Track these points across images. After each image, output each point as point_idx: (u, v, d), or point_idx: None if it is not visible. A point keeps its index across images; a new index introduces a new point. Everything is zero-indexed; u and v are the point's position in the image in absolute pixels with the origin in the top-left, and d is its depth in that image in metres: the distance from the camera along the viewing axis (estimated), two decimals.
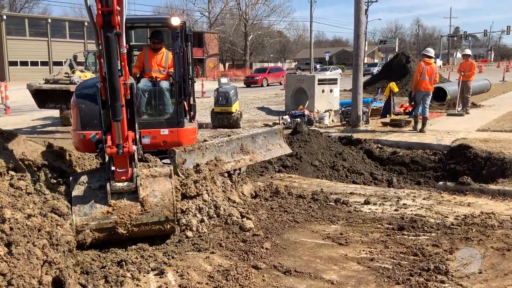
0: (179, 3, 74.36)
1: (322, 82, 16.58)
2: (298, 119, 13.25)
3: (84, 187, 4.28)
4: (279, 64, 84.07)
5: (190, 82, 6.61)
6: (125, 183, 4.34)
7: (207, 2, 70.69)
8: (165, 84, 6.58)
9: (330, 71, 47.45)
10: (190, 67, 6.84)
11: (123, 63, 4.25)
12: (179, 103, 6.34)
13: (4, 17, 46.83)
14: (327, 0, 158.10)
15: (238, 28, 69.76)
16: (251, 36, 69.20)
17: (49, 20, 51.05)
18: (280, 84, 36.04)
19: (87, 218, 4.17)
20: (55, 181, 4.91)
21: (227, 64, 77.68)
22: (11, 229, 2.87)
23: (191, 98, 6.74)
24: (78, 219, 4.14)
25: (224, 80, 15.33)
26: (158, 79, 6.67)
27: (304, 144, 9.44)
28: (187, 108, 6.65)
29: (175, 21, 5.92)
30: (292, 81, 18.06)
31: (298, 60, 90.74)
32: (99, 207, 4.20)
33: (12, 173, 3.87)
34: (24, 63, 47.41)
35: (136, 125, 4.79)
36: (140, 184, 4.37)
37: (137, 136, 4.78)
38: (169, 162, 6.00)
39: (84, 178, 4.39)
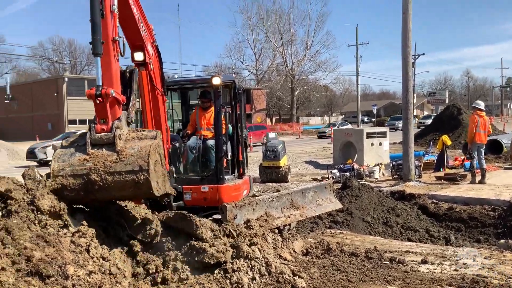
0: (228, 62, 77.27)
1: (370, 135, 16.45)
2: (348, 173, 13.07)
3: (72, 144, 4.41)
4: (326, 118, 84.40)
5: (240, 139, 6.78)
6: (104, 134, 4.32)
7: (254, 60, 73.18)
8: (211, 142, 6.70)
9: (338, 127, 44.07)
10: (240, 124, 7.05)
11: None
12: (218, 160, 6.41)
13: (66, 79, 50.39)
14: (373, 54, 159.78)
15: (285, 83, 71.25)
16: (298, 91, 70.36)
17: None
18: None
19: (64, 164, 4.17)
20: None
21: (274, 119, 78.82)
22: (73, 285, 2.95)
23: (240, 155, 6.86)
24: (56, 164, 4.18)
25: (272, 134, 15.55)
26: (205, 137, 6.86)
27: (355, 199, 9.24)
28: (225, 165, 6.68)
29: (216, 81, 6.22)
30: (340, 134, 18.04)
31: (345, 113, 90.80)
32: (77, 155, 4.24)
33: (72, 229, 4.02)
34: (82, 122, 50.25)
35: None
36: (119, 135, 4.32)
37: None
38: (220, 217, 6.06)
39: (74, 138, 4.53)
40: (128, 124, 4.63)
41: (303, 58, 70.06)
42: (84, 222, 4.08)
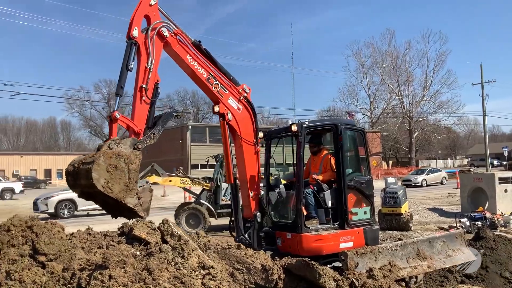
0: (342, 106, 77.12)
1: (504, 180, 14.95)
2: (479, 223, 11.94)
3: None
4: (449, 161, 78.92)
5: (345, 186, 6.46)
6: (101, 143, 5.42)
7: (369, 103, 72.03)
8: (308, 189, 6.68)
9: (426, 174, 38.02)
10: (360, 168, 6.86)
11: None
12: (297, 208, 6.33)
13: (190, 127, 54.38)
14: (501, 92, 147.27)
15: (402, 125, 68.65)
16: (416, 133, 67.23)
17: None
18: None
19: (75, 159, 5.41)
20: None
21: (390, 162, 75.84)
22: None
23: (344, 203, 6.45)
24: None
25: (391, 179, 14.95)
26: (310, 182, 6.92)
27: (490, 252, 8.34)
28: (305, 213, 6.43)
29: (293, 128, 6.41)
30: (468, 179, 16.67)
31: (470, 156, 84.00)
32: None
33: (203, 271, 4.23)
34: (203, 166, 53.41)
35: None
36: (108, 145, 5.17)
37: None
38: (341, 265, 5.90)
39: None
40: (136, 148, 5.42)
41: (422, 99, 67.26)
42: (214, 265, 4.28)
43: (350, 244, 6.32)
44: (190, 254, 4.41)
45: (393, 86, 67.99)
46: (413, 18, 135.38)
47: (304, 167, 7.33)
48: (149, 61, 5.74)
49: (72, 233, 4.99)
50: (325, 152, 7.21)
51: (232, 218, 7.34)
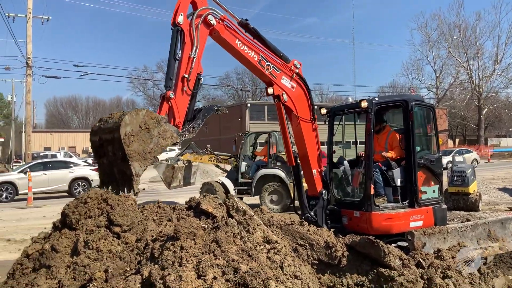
0: (405, 81, 74.17)
1: None
2: None
3: None
4: None
5: (415, 164, 6.24)
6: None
7: (434, 78, 68.84)
8: (375, 166, 6.45)
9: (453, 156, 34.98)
10: (414, 147, 6.52)
11: None
12: (366, 186, 6.16)
13: (249, 105, 54.75)
14: None
15: (470, 102, 65.11)
16: (486, 109, 63.53)
17: None
18: None
19: None
20: None
21: (457, 140, 72.50)
22: None
23: (414, 181, 6.25)
24: None
25: (459, 158, 14.31)
26: (376, 160, 6.59)
27: None
28: (372, 192, 6.26)
29: (363, 104, 6.14)
30: None
31: None
32: None
33: (268, 246, 4.32)
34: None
35: None
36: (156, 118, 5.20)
37: None
38: (407, 245, 5.80)
39: None
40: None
41: (492, 73, 63.17)
42: (279, 240, 4.35)
43: (420, 223, 6.14)
44: (255, 229, 4.50)
45: (461, 60, 64.31)
46: None
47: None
48: (193, 50, 5.52)
49: (143, 206, 5.23)
50: (389, 129, 6.99)
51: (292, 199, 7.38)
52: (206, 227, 4.14)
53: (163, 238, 4.05)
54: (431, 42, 67.15)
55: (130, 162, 4.77)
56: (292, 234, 5.20)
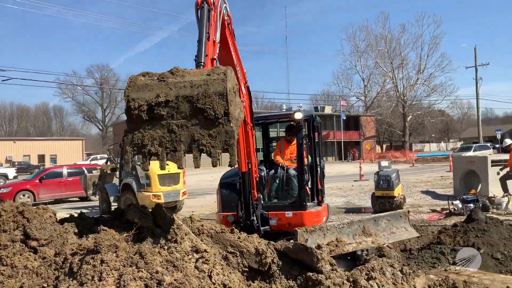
0: (336, 89, 76.98)
1: (496, 163, 15.03)
2: (471, 205, 12.03)
3: None
4: (442, 144, 79.35)
5: (318, 169, 7.34)
6: None
7: (363, 87, 72.00)
8: (293, 172, 7.26)
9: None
10: (319, 154, 7.56)
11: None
12: (301, 188, 6.89)
13: None
14: (495, 75, 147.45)
15: (396, 109, 68.75)
16: (410, 116, 67.40)
17: None
18: None
19: None
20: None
21: (384, 146, 76.14)
22: None
23: (319, 183, 7.37)
24: None
25: (384, 163, 14.98)
26: (288, 167, 7.40)
27: (482, 234, 8.42)
28: (309, 193, 7.34)
29: (298, 116, 6.52)
30: (460, 162, 16.76)
31: (464, 139, 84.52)
32: None
33: (196, 255, 4.24)
34: None
35: None
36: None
37: None
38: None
39: None
40: None
41: (416, 82, 67.30)
42: (208, 249, 4.28)
43: (325, 218, 7.29)
44: (183, 238, 4.40)
45: (387, 69, 67.98)
46: (407, 1, 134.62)
47: (275, 151, 8.13)
48: (217, 35, 5.07)
49: (64, 218, 4.96)
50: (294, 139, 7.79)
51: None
52: (130, 238, 3.99)
53: (83, 252, 3.85)
54: (359, 53, 70.43)
55: (231, 124, 3.81)
56: (222, 242, 5.14)
